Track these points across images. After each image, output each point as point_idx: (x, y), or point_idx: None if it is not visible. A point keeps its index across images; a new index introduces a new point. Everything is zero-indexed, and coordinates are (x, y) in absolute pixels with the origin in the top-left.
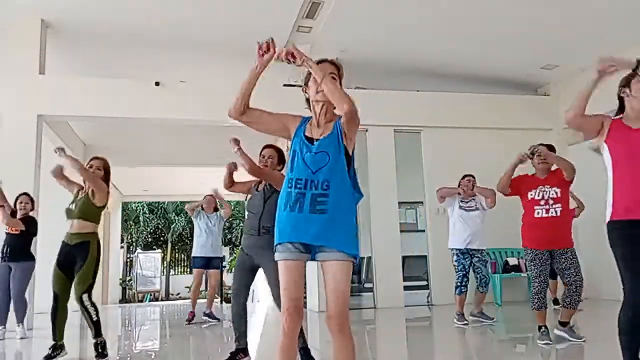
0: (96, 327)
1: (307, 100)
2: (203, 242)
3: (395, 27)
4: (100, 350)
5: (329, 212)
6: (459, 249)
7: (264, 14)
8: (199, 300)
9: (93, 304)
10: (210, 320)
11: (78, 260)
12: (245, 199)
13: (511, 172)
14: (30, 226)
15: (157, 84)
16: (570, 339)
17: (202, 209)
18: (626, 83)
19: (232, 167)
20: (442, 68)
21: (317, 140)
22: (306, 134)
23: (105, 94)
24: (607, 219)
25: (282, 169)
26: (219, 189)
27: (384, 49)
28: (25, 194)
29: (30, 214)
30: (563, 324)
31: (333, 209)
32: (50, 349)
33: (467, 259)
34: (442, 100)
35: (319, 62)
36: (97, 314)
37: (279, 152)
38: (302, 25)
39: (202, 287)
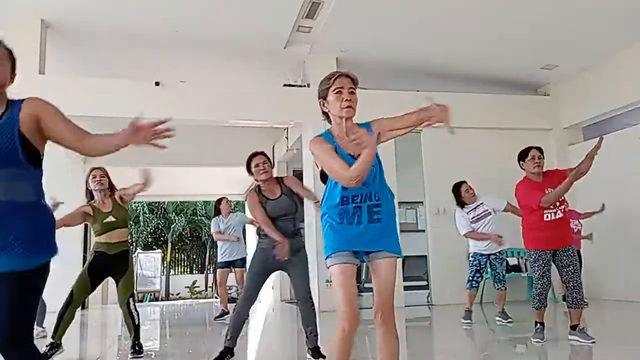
0: (137, 331)
1: (325, 113)
2: (223, 247)
3: (395, 27)
4: (137, 349)
5: (383, 220)
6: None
7: (264, 14)
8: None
9: (136, 309)
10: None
11: (119, 268)
12: (245, 199)
13: (565, 191)
14: None
15: (157, 84)
16: (582, 341)
17: (218, 214)
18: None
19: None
20: (442, 68)
21: (358, 155)
22: (347, 151)
23: (105, 94)
24: None
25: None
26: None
27: (384, 49)
28: None
29: None
30: (573, 327)
31: (386, 217)
32: (47, 347)
33: (483, 256)
34: (442, 100)
35: (338, 76)
36: (139, 319)
37: (267, 156)
38: (302, 25)
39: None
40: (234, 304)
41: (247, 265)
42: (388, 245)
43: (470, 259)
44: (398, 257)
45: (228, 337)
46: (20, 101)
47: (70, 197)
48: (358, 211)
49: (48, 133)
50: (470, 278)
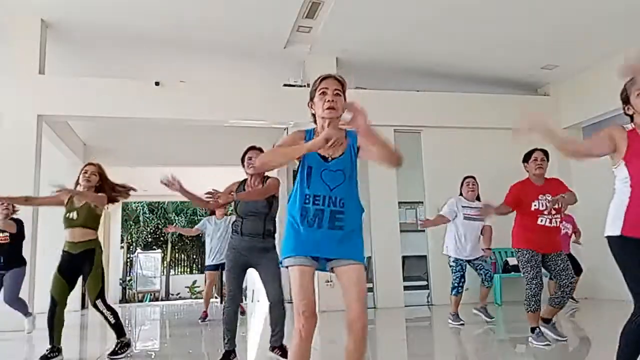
0: (116, 328)
1: (313, 115)
2: (214, 248)
3: (395, 27)
4: (116, 349)
5: (345, 229)
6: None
7: (264, 14)
8: (201, 300)
9: (109, 307)
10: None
11: (84, 268)
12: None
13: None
14: (21, 230)
15: (157, 84)
16: (554, 336)
17: (212, 214)
18: (625, 100)
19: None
20: (442, 68)
21: (332, 158)
22: (319, 151)
23: (105, 94)
24: (615, 232)
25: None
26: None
27: (384, 49)
28: (13, 219)
29: (13, 215)
30: (546, 321)
31: (348, 225)
32: (47, 350)
33: (464, 261)
34: (442, 100)
35: (324, 77)
36: (114, 317)
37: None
38: (302, 25)
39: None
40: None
41: None
42: (348, 252)
43: (452, 264)
44: (360, 264)
45: (225, 341)
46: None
47: None
48: (320, 214)
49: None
50: (456, 284)
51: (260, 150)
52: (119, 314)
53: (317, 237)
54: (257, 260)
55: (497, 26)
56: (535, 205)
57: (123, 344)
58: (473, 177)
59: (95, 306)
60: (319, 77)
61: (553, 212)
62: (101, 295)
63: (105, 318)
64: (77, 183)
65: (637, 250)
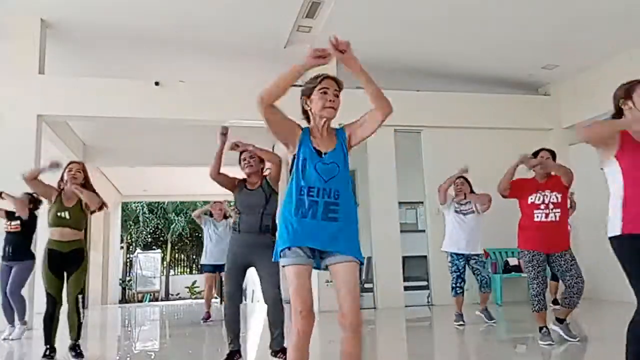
0: (79, 329)
1: (306, 111)
2: (212, 250)
3: (395, 27)
4: (78, 351)
5: (339, 220)
6: (453, 252)
7: (264, 14)
8: (201, 300)
9: (83, 308)
10: None
11: (73, 265)
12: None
13: (512, 174)
14: (33, 224)
15: (157, 84)
16: (566, 336)
17: (211, 216)
18: (626, 95)
19: (225, 131)
20: (442, 68)
21: (325, 152)
22: (314, 145)
23: (105, 94)
24: (616, 232)
25: (263, 168)
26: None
27: (384, 49)
28: (28, 193)
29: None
30: (560, 321)
31: (343, 217)
32: (47, 350)
33: (461, 260)
34: (442, 100)
35: (325, 77)
36: (83, 318)
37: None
38: (302, 25)
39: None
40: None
41: None
42: (345, 248)
43: (449, 264)
44: (357, 262)
45: (229, 342)
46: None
47: None
48: (314, 205)
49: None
50: (454, 285)
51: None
52: (119, 314)
53: (311, 227)
54: (256, 257)
55: (497, 26)
56: (531, 199)
57: (79, 347)
58: (461, 176)
59: (75, 300)
60: (320, 76)
61: (551, 206)
62: (82, 292)
63: (78, 314)
64: (61, 180)
65: (637, 247)
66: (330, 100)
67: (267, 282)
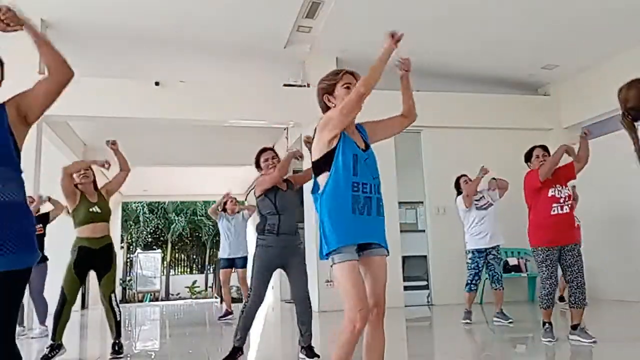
0: (118, 327)
1: (328, 108)
2: (227, 244)
3: (395, 27)
4: (117, 349)
5: (384, 215)
6: (476, 249)
7: (264, 14)
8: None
9: (118, 305)
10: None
11: (103, 263)
12: (257, 197)
13: (559, 160)
14: (45, 224)
15: (157, 84)
16: (584, 341)
17: (224, 210)
18: None
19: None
20: (442, 68)
21: (364, 149)
22: (354, 141)
23: (105, 94)
24: None
25: None
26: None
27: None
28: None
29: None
30: (574, 327)
31: (385, 212)
32: (47, 348)
33: (481, 258)
34: (442, 100)
35: (346, 72)
36: (120, 315)
37: (276, 152)
38: (302, 25)
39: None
40: (241, 304)
41: (249, 265)
42: (385, 242)
43: (469, 260)
44: (386, 255)
45: (237, 337)
46: (2, 104)
47: None
48: (368, 202)
49: (32, 101)
50: (469, 281)
51: (273, 150)
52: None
53: (369, 224)
54: (289, 259)
55: (497, 26)
56: (552, 192)
57: (121, 344)
58: (463, 174)
59: (109, 300)
60: (339, 71)
61: (565, 199)
62: (114, 290)
63: (114, 314)
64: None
65: None
66: None
67: (299, 282)
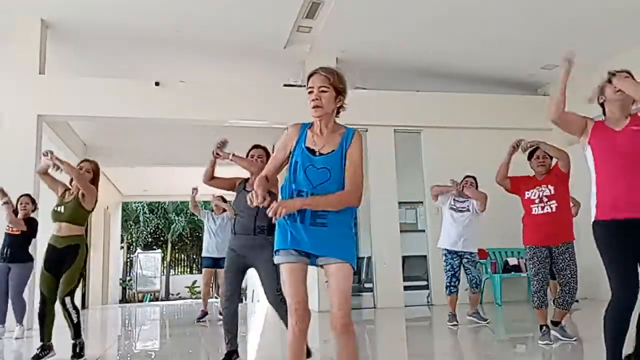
0: (76, 329)
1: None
2: (211, 243)
3: (395, 27)
4: (77, 351)
5: (329, 227)
6: (447, 250)
7: (264, 14)
8: (201, 300)
9: (75, 307)
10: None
11: (66, 262)
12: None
13: (507, 162)
14: (31, 227)
15: (157, 84)
16: (562, 338)
17: (211, 210)
18: (601, 91)
19: (221, 144)
20: (442, 68)
21: (320, 154)
22: (308, 144)
23: (105, 94)
24: (592, 219)
25: None
26: (198, 187)
27: (383, 49)
28: (27, 195)
29: (31, 215)
30: (555, 324)
31: (333, 224)
32: (38, 349)
33: (455, 259)
34: (442, 100)
35: (311, 74)
36: (77, 317)
37: (267, 151)
38: (302, 25)
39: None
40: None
41: None
42: (334, 251)
43: (443, 263)
44: (347, 263)
45: (227, 341)
46: None
47: None
48: (303, 210)
49: None
50: (448, 284)
51: (264, 149)
52: (119, 313)
53: (300, 232)
54: (254, 259)
55: (497, 26)
56: (528, 195)
57: (82, 345)
58: (472, 177)
59: (62, 302)
60: (309, 74)
61: (545, 199)
62: (71, 293)
63: (69, 316)
64: (72, 180)
65: (607, 232)
66: (312, 100)
67: (266, 282)
